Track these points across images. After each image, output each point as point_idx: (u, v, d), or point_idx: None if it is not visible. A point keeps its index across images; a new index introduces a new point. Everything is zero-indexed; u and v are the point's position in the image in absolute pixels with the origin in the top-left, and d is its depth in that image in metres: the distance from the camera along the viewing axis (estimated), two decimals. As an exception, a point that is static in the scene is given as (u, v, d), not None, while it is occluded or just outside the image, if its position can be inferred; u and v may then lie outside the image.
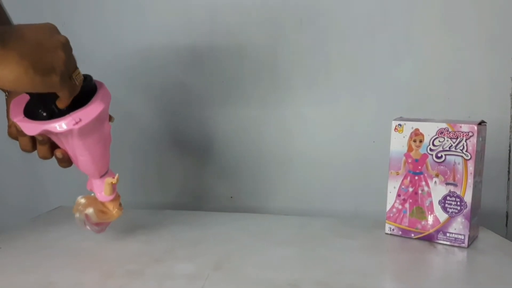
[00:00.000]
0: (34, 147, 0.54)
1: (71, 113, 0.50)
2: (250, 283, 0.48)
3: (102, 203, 0.60)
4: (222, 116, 0.88)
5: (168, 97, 0.89)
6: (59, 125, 0.50)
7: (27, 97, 0.52)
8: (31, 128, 0.50)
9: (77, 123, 0.50)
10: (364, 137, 0.85)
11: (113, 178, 0.58)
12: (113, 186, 0.59)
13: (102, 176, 0.59)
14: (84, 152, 0.54)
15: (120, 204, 0.61)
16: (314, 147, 0.87)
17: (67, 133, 0.50)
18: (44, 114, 0.51)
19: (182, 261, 0.54)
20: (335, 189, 0.87)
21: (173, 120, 0.90)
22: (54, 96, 0.50)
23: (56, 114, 0.51)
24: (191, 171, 0.90)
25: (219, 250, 0.58)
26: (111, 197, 0.59)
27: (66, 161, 0.55)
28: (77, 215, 0.58)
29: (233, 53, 0.87)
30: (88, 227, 0.58)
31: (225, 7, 0.85)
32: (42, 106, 0.51)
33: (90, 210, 0.57)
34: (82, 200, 0.59)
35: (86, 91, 0.52)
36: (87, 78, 0.53)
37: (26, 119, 0.51)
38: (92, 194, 0.60)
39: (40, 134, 0.51)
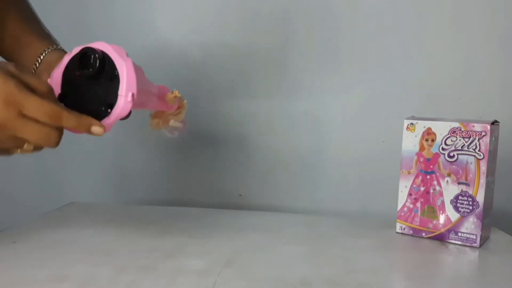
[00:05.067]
0: None
1: (118, 92, 0.48)
2: (262, 280, 0.48)
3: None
4: (230, 114, 0.88)
5: (178, 94, 0.89)
6: (123, 111, 0.48)
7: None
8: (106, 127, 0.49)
9: (132, 95, 0.48)
10: (373, 137, 0.85)
11: (170, 94, 0.59)
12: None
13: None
14: (143, 104, 0.53)
15: (181, 96, 0.61)
16: (323, 146, 0.87)
17: None
18: (98, 110, 0.49)
19: (193, 257, 0.54)
20: (344, 188, 0.87)
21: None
22: (90, 90, 0.49)
23: (106, 97, 0.49)
24: (200, 168, 0.91)
25: (229, 247, 0.58)
26: (177, 104, 0.61)
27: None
28: (166, 132, 0.60)
29: (243, 51, 0.87)
30: (176, 133, 0.61)
31: (236, 5, 0.86)
32: (90, 105, 0.49)
33: (172, 121, 0.60)
34: (157, 120, 0.60)
35: (99, 65, 0.49)
36: (87, 52, 0.49)
37: None
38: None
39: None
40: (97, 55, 0.49)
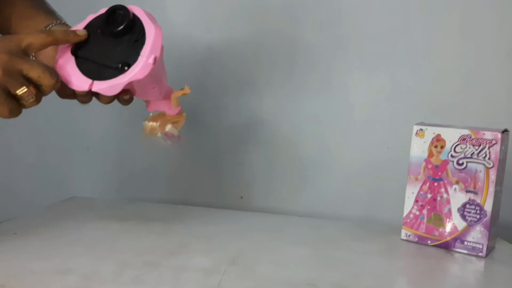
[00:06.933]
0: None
1: (140, 53, 0.47)
2: (268, 280, 0.48)
3: (170, 115, 0.60)
4: (234, 115, 0.88)
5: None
6: (141, 72, 0.47)
7: (71, 59, 0.49)
8: (113, 88, 0.48)
9: (155, 59, 0.47)
10: (378, 143, 0.84)
11: (178, 91, 0.58)
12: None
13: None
14: (154, 84, 0.52)
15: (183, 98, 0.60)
16: (327, 150, 0.86)
17: None
18: (115, 66, 0.48)
19: (198, 255, 0.54)
20: (347, 194, 0.86)
21: (186, 117, 0.90)
22: (108, 48, 0.48)
23: (126, 57, 0.48)
24: (201, 169, 0.90)
25: (233, 246, 0.58)
26: (179, 107, 0.59)
27: (131, 99, 0.54)
28: (159, 134, 0.59)
29: (250, 52, 0.86)
30: (169, 142, 0.59)
31: (244, 5, 0.85)
32: (106, 61, 0.48)
33: (169, 127, 0.59)
34: (153, 123, 0.59)
35: (128, 23, 0.48)
36: (120, 9, 0.49)
37: (99, 82, 0.48)
38: (155, 113, 0.60)
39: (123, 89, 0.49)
40: (128, 14, 0.49)
